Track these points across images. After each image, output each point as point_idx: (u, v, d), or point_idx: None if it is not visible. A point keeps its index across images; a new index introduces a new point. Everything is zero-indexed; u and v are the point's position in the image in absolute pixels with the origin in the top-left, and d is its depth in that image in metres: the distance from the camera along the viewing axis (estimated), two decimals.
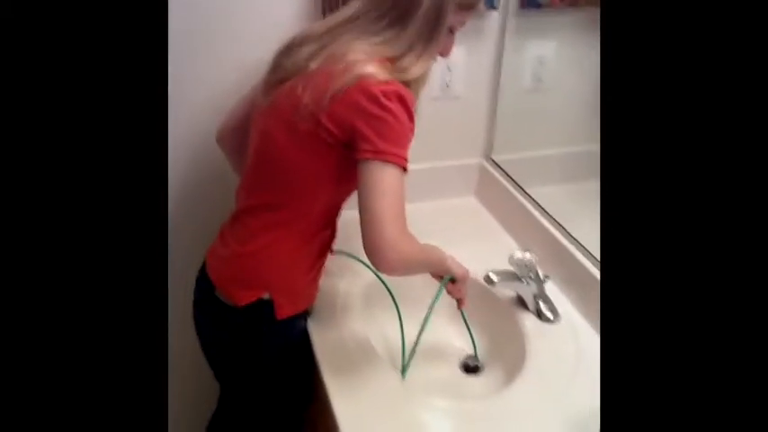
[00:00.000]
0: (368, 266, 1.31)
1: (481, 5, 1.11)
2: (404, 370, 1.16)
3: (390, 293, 1.25)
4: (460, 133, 1.63)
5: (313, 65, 1.04)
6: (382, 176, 0.97)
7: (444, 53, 1.11)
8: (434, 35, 1.04)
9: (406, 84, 1.02)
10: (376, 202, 0.97)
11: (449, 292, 1.21)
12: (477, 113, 1.62)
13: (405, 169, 0.99)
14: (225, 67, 1.36)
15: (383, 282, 1.25)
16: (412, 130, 1.01)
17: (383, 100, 0.97)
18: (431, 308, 1.17)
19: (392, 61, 1.03)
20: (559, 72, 1.51)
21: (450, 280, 1.18)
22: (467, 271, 1.19)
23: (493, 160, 1.64)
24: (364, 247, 0.99)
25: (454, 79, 1.54)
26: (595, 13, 1.45)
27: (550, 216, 1.42)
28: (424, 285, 1.21)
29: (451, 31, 1.09)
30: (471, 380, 1.28)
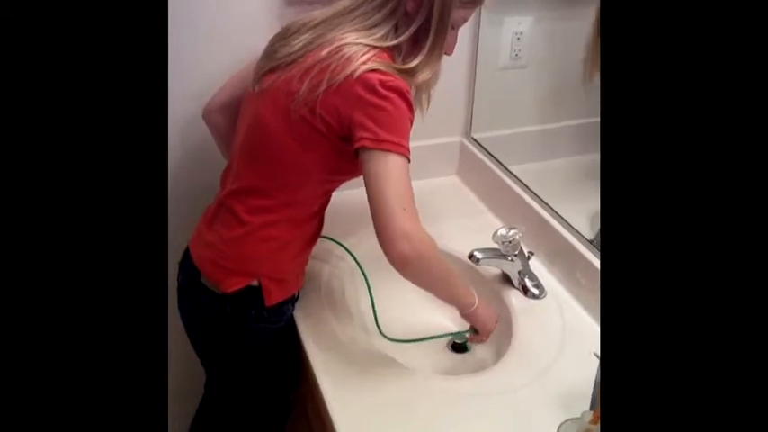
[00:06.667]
0: (348, 251, 1.32)
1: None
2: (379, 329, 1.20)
3: (365, 277, 1.26)
4: (439, 112, 1.62)
5: (309, 55, 1.02)
6: (386, 166, 0.96)
7: (448, 51, 1.09)
8: (440, 30, 1.01)
9: (409, 83, 1.01)
10: (384, 192, 0.95)
11: (470, 340, 1.24)
12: (456, 92, 1.61)
13: (408, 159, 0.98)
14: (222, 54, 1.33)
15: (359, 265, 1.26)
16: (411, 119, 1.01)
17: (381, 89, 0.96)
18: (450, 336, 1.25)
19: (390, 53, 1.01)
20: (537, 48, 1.51)
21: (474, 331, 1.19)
22: (496, 324, 1.18)
23: (473, 138, 1.64)
24: (378, 239, 0.97)
25: None
26: None
27: (533, 192, 1.42)
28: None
29: (453, 27, 1.06)
30: (460, 357, 1.29)
